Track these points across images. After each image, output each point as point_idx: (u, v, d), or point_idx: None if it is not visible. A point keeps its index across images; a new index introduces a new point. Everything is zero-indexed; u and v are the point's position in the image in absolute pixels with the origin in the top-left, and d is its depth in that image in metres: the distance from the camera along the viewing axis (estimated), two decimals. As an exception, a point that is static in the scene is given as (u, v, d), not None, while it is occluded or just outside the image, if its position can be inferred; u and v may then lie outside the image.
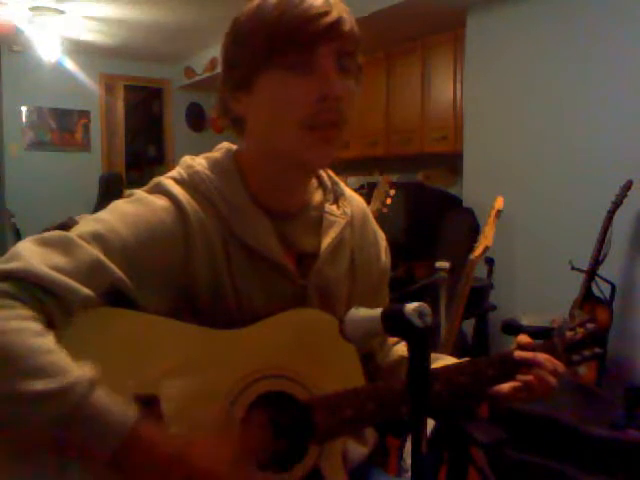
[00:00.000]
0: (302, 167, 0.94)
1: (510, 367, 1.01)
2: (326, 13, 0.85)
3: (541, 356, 1.00)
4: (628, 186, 2.78)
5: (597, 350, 1.08)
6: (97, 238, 0.83)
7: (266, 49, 0.85)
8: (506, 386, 1.01)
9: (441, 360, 1.08)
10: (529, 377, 0.99)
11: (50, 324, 0.78)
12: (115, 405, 0.74)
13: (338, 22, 0.86)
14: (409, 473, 0.70)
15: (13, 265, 0.77)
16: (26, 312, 0.76)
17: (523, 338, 1.05)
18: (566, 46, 3.27)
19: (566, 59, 3.27)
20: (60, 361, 0.74)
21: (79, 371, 0.73)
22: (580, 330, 1.08)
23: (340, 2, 0.89)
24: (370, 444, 1.06)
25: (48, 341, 0.75)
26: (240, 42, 0.90)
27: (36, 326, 0.75)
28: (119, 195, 0.94)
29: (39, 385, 0.70)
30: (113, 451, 0.72)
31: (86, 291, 0.80)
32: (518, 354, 1.01)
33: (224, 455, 0.79)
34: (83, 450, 0.73)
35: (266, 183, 0.95)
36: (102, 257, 0.82)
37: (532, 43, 3.46)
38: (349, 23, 0.88)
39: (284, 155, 0.91)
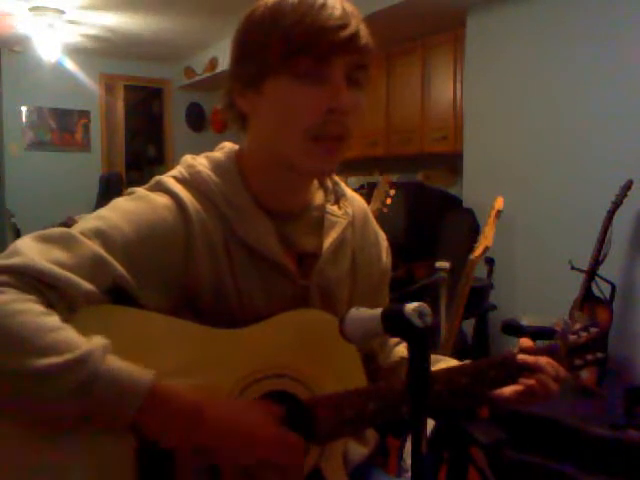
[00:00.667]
0: (303, 174, 0.94)
1: (512, 371, 1.00)
2: (344, 26, 0.84)
3: (543, 360, 1.00)
4: (628, 186, 2.78)
5: (600, 355, 1.08)
6: (99, 234, 0.83)
7: (280, 54, 0.85)
8: (508, 389, 1.01)
9: (442, 362, 1.07)
10: (531, 381, 0.99)
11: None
12: (131, 366, 0.76)
13: (355, 36, 0.85)
14: (409, 473, 0.70)
15: (13, 261, 0.78)
16: (29, 296, 0.77)
17: (525, 342, 1.04)
18: (566, 46, 3.27)
19: (566, 59, 3.27)
20: (70, 336, 0.75)
21: (90, 342, 0.75)
22: (583, 334, 1.07)
23: (357, 12, 0.88)
24: (370, 444, 1.06)
25: (54, 319, 0.76)
26: (253, 40, 0.89)
27: (40, 307, 0.76)
28: (119, 195, 0.94)
29: (55, 360, 0.72)
30: (137, 408, 0.74)
31: (88, 286, 0.80)
32: (520, 357, 1.01)
33: (246, 409, 0.82)
34: (107, 414, 0.74)
35: (267, 184, 0.95)
36: (104, 253, 0.82)
37: (532, 43, 3.46)
38: (365, 37, 0.87)
39: (286, 161, 0.91)
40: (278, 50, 0.85)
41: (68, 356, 0.72)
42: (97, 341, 0.76)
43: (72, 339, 0.75)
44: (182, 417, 0.77)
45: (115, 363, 0.75)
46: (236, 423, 0.80)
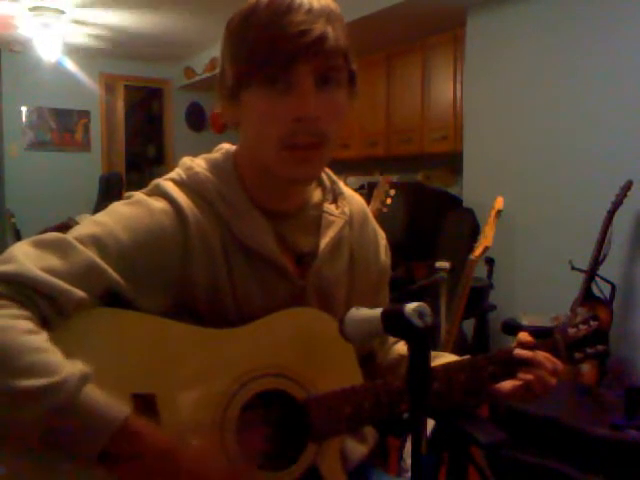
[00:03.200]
0: (285, 181, 0.93)
1: (510, 365, 1.01)
2: (305, 32, 0.82)
3: (540, 355, 1.00)
4: (628, 186, 2.77)
5: (600, 347, 1.08)
6: (94, 241, 0.84)
7: (246, 65, 0.85)
8: (506, 384, 1.01)
9: (441, 357, 1.08)
10: (529, 376, 0.99)
11: (45, 324, 0.79)
12: (106, 401, 0.74)
13: (319, 40, 0.83)
14: (409, 473, 0.70)
15: (7, 268, 0.78)
16: (18, 311, 0.76)
17: (524, 336, 1.04)
18: (566, 46, 3.27)
19: (566, 59, 3.27)
20: (51, 359, 0.74)
21: (70, 368, 0.74)
22: (583, 327, 1.07)
23: (329, 10, 0.86)
24: (370, 444, 1.06)
25: (40, 339, 0.75)
26: (228, 53, 0.89)
27: (27, 324, 0.76)
28: (119, 195, 0.95)
29: (30, 383, 0.71)
30: (102, 446, 0.73)
31: (80, 293, 0.80)
32: (517, 352, 1.01)
33: (215, 461, 0.81)
34: (73, 445, 0.73)
35: (263, 184, 0.95)
36: (98, 260, 0.82)
37: (532, 43, 3.46)
38: (333, 39, 0.84)
39: (268, 169, 0.91)
40: (245, 61, 0.85)
41: (44, 381, 0.71)
42: (76, 368, 0.74)
43: (52, 362, 0.74)
44: (151, 457, 0.76)
45: (90, 394, 0.74)
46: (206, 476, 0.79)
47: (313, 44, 0.83)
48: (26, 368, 0.72)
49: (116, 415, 0.74)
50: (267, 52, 0.83)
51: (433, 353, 1.07)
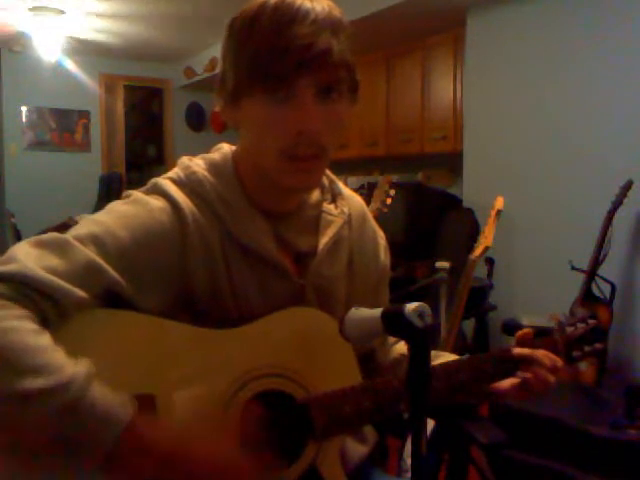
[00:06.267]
0: (284, 189, 0.94)
1: (509, 364, 1.01)
2: (309, 46, 0.81)
3: (539, 353, 1.01)
4: (628, 186, 2.78)
5: (598, 346, 1.08)
6: (93, 240, 0.84)
7: (248, 74, 0.84)
8: (505, 383, 1.02)
9: (441, 357, 1.08)
10: (528, 374, 0.99)
11: (45, 324, 0.79)
12: (112, 400, 0.74)
13: (323, 54, 0.82)
14: (409, 473, 0.70)
15: (9, 268, 0.78)
16: (21, 312, 0.76)
17: (523, 331, 1.05)
18: (566, 46, 3.27)
19: (566, 59, 3.27)
20: (56, 359, 0.74)
21: (75, 367, 0.74)
22: (581, 326, 1.08)
23: (335, 20, 0.85)
24: (370, 444, 1.06)
25: (44, 339, 0.75)
26: (229, 57, 0.89)
27: (31, 325, 0.76)
28: (119, 195, 0.94)
29: (36, 383, 0.71)
30: (110, 445, 0.72)
31: (81, 293, 0.80)
32: (517, 351, 1.01)
33: (222, 450, 0.80)
34: (80, 446, 0.73)
35: (262, 187, 0.95)
36: (97, 259, 0.82)
37: (532, 43, 3.46)
38: (337, 52, 0.83)
39: (267, 175, 0.91)
40: (247, 70, 0.84)
41: (52, 379, 0.71)
42: (83, 366, 0.75)
43: (59, 362, 0.74)
44: (161, 451, 0.76)
45: (98, 390, 0.74)
46: (217, 469, 0.79)
47: (317, 58, 0.82)
48: (33, 368, 0.72)
49: (122, 415, 0.74)
50: (269, 64, 0.82)
51: (433, 353, 1.07)
